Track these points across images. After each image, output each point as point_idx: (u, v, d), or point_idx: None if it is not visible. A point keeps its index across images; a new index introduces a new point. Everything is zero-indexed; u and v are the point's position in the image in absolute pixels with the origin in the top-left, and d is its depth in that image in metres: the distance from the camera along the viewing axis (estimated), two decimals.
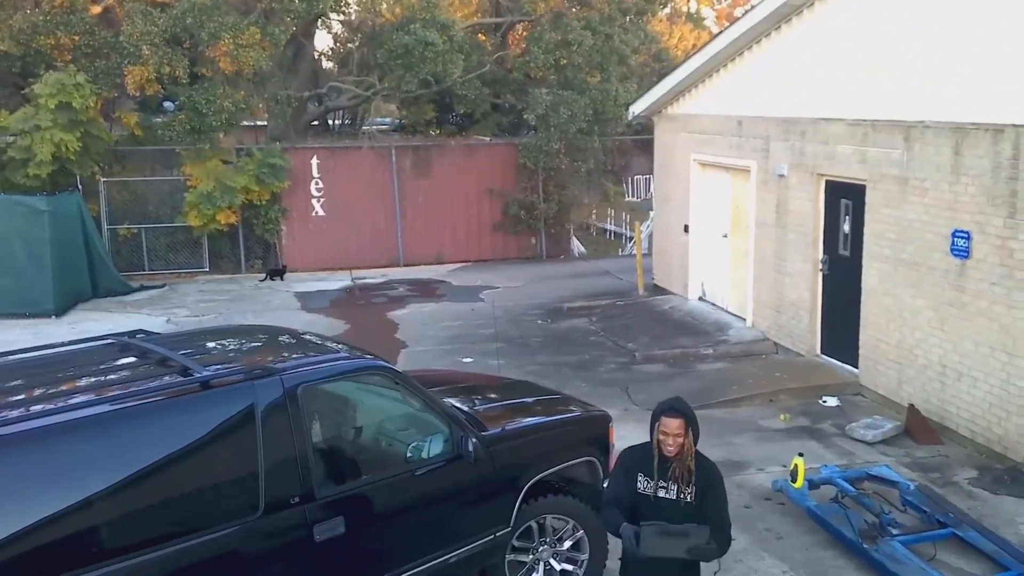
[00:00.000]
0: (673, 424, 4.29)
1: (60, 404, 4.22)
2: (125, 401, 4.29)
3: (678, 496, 4.35)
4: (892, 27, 9.19)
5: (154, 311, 14.80)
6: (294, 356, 5.26)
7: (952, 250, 8.48)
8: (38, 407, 4.20)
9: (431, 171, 19.28)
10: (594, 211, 24.06)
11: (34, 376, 4.75)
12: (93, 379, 4.70)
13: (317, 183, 18.56)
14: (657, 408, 4.40)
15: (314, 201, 18.58)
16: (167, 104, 21.18)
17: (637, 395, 10.24)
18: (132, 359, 4.98)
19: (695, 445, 4.36)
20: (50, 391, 4.49)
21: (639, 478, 4.41)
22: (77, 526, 4.03)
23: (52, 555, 3.96)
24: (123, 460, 4.17)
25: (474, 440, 5.29)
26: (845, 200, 10.24)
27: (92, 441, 4.13)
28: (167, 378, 4.59)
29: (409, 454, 5.15)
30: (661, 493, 4.37)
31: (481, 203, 19.55)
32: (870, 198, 9.63)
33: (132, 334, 5.41)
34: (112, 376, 4.74)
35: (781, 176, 11.25)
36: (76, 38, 16.75)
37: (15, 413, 4.17)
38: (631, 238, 20.99)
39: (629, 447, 4.61)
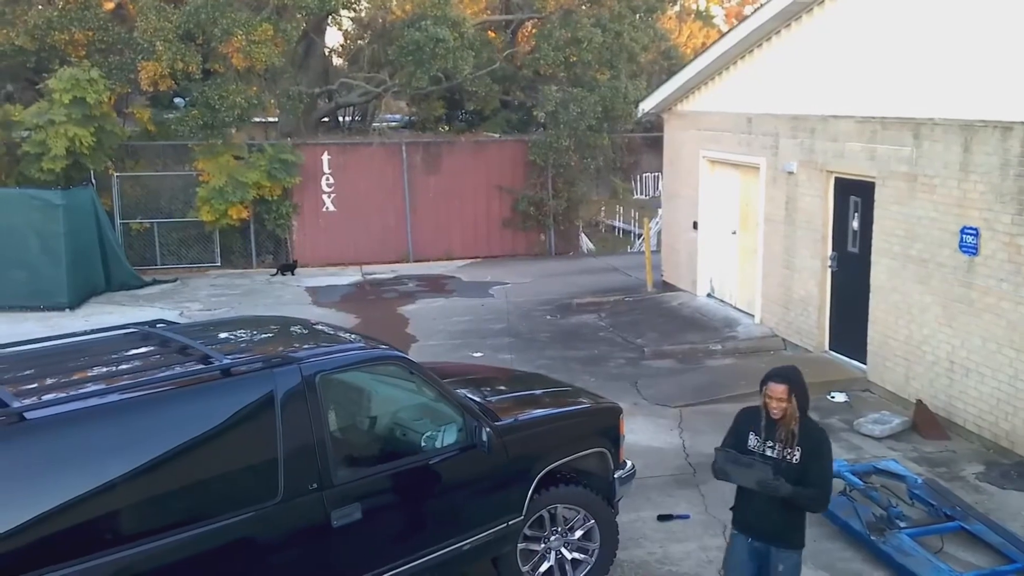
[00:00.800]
0: (778, 390, 4.61)
1: (86, 390, 4.32)
2: (149, 388, 4.39)
3: (782, 456, 4.64)
4: (901, 24, 9.24)
5: (167, 305, 14.92)
6: (312, 345, 5.35)
7: (961, 247, 8.53)
8: (65, 393, 4.30)
9: (441, 167, 19.38)
10: (603, 208, 24.12)
11: (60, 363, 4.86)
12: (117, 367, 4.80)
13: (328, 179, 18.67)
14: (765, 374, 4.74)
15: (325, 197, 18.70)
16: (177, 100, 21.31)
17: (646, 390, 10.32)
18: (154, 347, 5.09)
19: (802, 411, 4.64)
20: (76, 378, 4.60)
21: (750, 436, 4.77)
22: (104, 508, 4.13)
23: (79, 536, 4.04)
24: (147, 445, 4.25)
25: (488, 430, 5.37)
26: (854, 197, 10.29)
27: (118, 426, 4.22)
28: (188, 366, 4.70)
29: (424, 443, 5.24)
30: (768, 452, 4.69)
31: (490, 200, 19.64)
32: (879, 195, 9.69)
33: (152, 323, 5.52)
34: (135, 364, 4.84)
35: (790, 173, 11.31)
36: (90, 33, 16.92)
37: (41, 399, 4.27)
38: (639, 235, 21.05)
39: (744, 408, 5.00)
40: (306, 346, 5.34)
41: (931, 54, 8.81)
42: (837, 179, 10.59)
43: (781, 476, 4.55)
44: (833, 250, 10.71)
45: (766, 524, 4.71)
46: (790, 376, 4.66)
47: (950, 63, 8.58)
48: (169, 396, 4.42)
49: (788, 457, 4.62)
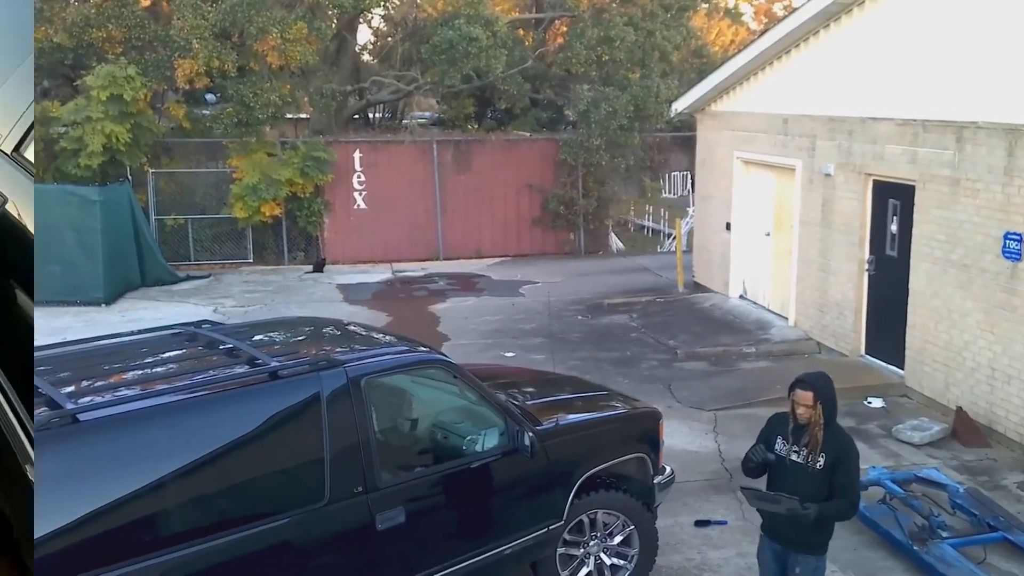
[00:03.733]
0: (805, 396, 4.73)
1: (138, 392, 4.35)
2: (199, 390, 4.42)
3: (807, 461, 4.76)
4: (944, 26, 9.12)
5: (200, 301, 15.06)
6: (356, 348, 5.38)
7: (1004, 252, 8.42)
8: (117, 394, 4.32)
9: (471, 166, 19.38)
10: (632, 207, 24.03)
11: (109, 363, 4.90)
12: (166, 367, 4.85)
13: (359, 177, 18.74)
14: (794, 379, 4.85)
15: (356, 194, 18.77)
16: (208, 96, 21.49)
17: (680, 392, 10.28)
18: (201, 348, 5.13)
19: (828, 419, 4.73)
20: (126, 378, 4.64)
21: (778, 440, 4.92)
22: (155, 510, 4.15)
23: (129, 538, 4.06)
24: (197, 447, 4.27)
25: (530, 434, 5.36)
26: (893, 200, 10.18)
27: (170, 428, 4.23)
28: (237, 368, 4.72)
29: (466, 447, 5.25)
30: (793, 456, 4.82)
31: (520, 198, 19.63)
32: (919, 199, 9.57)
33: (198, 324, 5.56)
34: (184, 365, 4.88)
35: (827, 175, 11.20)
36: (126, 31, 17.08)
37: (94, 400, 4.29)
38: (668, 234, 20.96)
39: (776, 412, 5.10)
40: (350, 349, 5.36)
41: (974, 57, 8.69)
42: (875, 182, 10.48)
43: (809, 483, 4.69)
44: (871, 253, 10.60)
45: (784, 530, 4.89)
46: (816, 383, 4.74)
47: (994, 66, 8.45)
48: (220, 398, 4.44)
49: (813, 463, 4.73)
